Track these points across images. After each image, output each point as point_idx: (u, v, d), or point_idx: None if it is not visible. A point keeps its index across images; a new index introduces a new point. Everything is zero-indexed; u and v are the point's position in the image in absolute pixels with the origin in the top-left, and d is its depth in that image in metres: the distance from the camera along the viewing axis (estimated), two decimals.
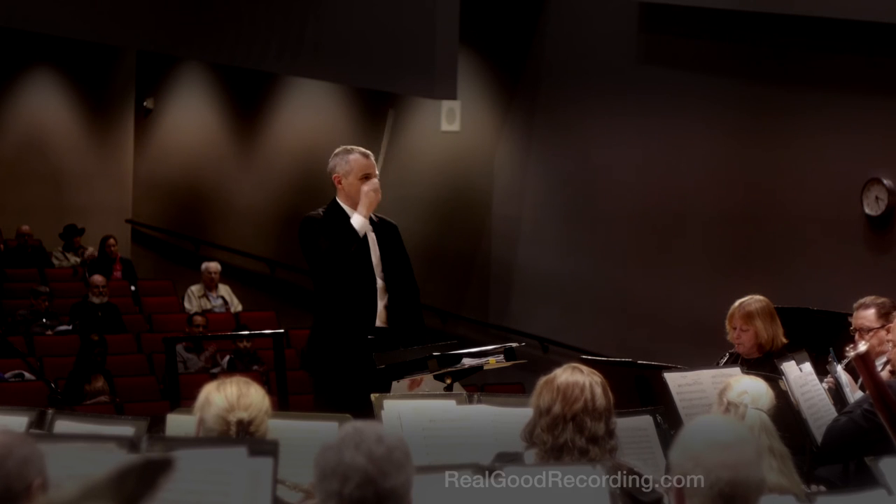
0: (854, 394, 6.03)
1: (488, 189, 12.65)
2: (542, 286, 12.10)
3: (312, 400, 6.74)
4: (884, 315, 6.33)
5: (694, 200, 10.87)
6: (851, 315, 6.48)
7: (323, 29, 12.41)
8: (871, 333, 6.28)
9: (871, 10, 9.27)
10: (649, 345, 10.65)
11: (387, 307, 6.44)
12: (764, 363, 6.23)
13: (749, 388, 4.55)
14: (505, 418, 4.60)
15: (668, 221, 11.08)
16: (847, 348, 5.68)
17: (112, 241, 15.45)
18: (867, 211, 9.67)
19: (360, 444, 2.87)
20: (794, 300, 7.73)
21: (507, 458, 4.00)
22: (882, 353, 6.15)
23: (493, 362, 6.07)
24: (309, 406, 7.49)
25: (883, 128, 9.65)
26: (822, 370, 6.14)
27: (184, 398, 8.45)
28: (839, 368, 6.07)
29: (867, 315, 6.38)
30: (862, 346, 5.41)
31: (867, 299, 6.46)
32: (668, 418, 5.06)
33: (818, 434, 5.69)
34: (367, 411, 4.69)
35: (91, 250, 15.86)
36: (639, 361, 6.65)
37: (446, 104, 12.76)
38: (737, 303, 6.57)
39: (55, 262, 15.88)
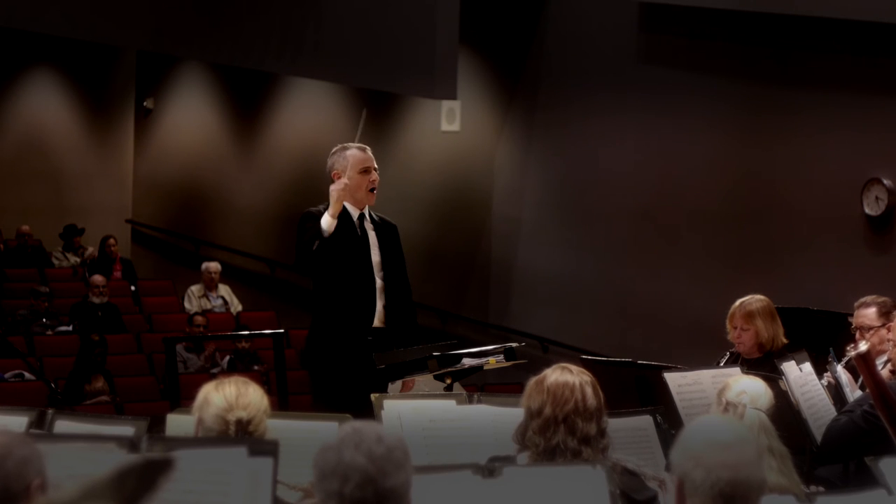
0: (854, 392, 6.03)
1: (488, 189, 12.65)
2: (541, 286, 12.10)
3: (311, 399, 6.74)
4: (884, 314, 6.33)
5: (694, 200, 10.87)
6: (851, 315, 6.49)
7: (323, 29, 12.41)
8: (871, 332, 6.28)
9: (871, 10, 9.27)
10: (649, 345, 10.66)
11: (385, 307, 6.44)
12: (764, 363, 6.22)
13: (747, 388, 4.55)
14: (505, 418, 4.59)
15: (668, 221, 11.08)
16: (848, 347, 5.69)
17: (112, 241, 15.45)
18: (867, 211, 9.67)
19: (360, 444, 2.87)
20: (793, 300, 7.72)
21: (500, 462, 3.99)
22: (882, 353, 6.15)
23: (493, 362, 6.06)
24: (309, 406, 7.49)
25: (883, 128, 9.65)
26: (822, 370, 6.15)
27: (184, 398, 8.44)
28: (839, 368, 6.07)
29: (868, 314, 6.38)
30: (863, 346, 5.41)
31: (868, 298, 6.46)
32: (668, 418, 5.05)
33: (818, 434, 5.69)
34: (366, 411, 4.69)
35: (91, 250, 15.85)
36: (639, 361, 6.65)
37: (446, 104, 12.76)
38: (738, 302, 6.56)
39: (55, 262, 15.88)
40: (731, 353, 6.61)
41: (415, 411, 4.74)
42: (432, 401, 4.93)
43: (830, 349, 6.14)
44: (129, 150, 17.62)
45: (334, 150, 6.53)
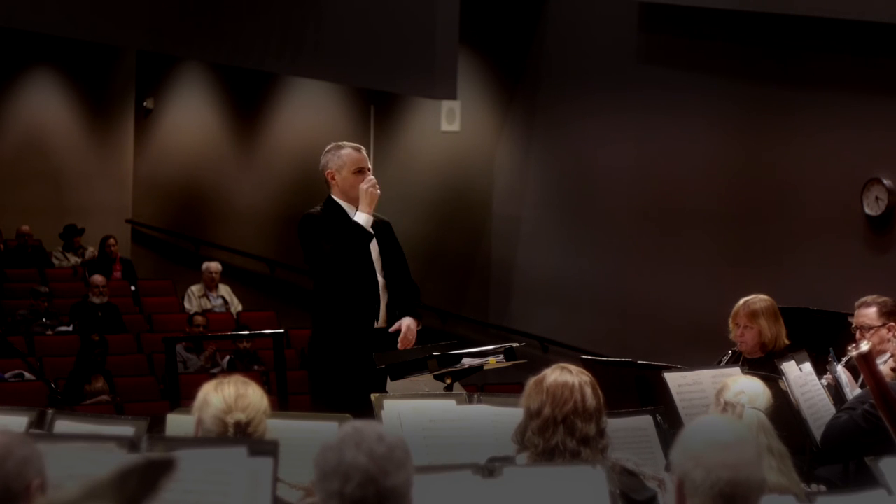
0: (853, 391, 6.04)
1: (488, 189, 12.65)
2: (541, 286, 12.10)
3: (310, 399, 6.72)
4: (885, 314, 6.33)
5: (694, 200, 10.87)
6: (852, 315, 6.48)
7: (323, 29, 12.41)
8: (871, 332, 6.28)
9: (871, 10, 9.27)
10: (649, 345, 10.65)
11: (387, 306, 6.42)
12: (765, 363, 6.21)
13: (746, 387, 4.55)
14: (504, 418, 4.59)
15: (667, 221, 11.08)
16: (849, 347, 5.69)
17: (112, 241, 15.45)
18: (867, 211, 9.67)
19: (361, 444, 2.86)
20: (794, 300, 7.72)
21: (499, 462, 3.99)
22: (883, 352, 6.16)
23: (493, 362, 6.06)
24: (309, 406, 7.49)
25: (883, 128, 9.65)
26: (822, 370, 6.15)
27: (184, 398, 8.44)
28: (839, 368, 6.07)
29: (868, 313, 6.37)
30: (864, 346, 5.41)
31: (868, 298, 6.46)
32: (668, 418, 5.05)
33: (818, 434, 5.69)
34: (366, 411, 4.68)
35: (91, 250, 15.86)
36: (639, 361, 6.63)
37: (446, 104, 12.76)
38: (741, 301, 6.55)
39: (55, 262, 15.88)
40: (733, 353, 6.59)
41: (415, 411, 4.74)
42: (432, 401, 4.93)
43: (830, 349, 6.14)
44: (129, 150, 17.62)
45: (328, 148, 6.46)
